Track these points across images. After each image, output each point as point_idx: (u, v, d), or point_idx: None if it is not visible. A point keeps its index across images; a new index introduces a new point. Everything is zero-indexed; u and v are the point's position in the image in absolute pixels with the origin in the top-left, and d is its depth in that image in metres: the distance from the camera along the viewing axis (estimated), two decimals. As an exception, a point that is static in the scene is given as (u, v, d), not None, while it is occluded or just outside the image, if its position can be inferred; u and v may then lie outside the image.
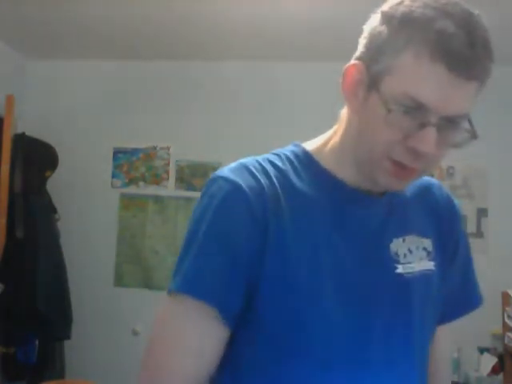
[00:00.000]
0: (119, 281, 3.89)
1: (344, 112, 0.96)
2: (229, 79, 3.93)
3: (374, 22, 0.87)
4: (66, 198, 3.83)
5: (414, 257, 0.97)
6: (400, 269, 0.94)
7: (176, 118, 3.94)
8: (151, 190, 3.94)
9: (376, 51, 0.84)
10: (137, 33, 3.51)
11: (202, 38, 3.54)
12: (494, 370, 3.30)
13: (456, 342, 3.47)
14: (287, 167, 0.95)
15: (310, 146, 1.01)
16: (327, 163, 0.96)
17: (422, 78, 0.79)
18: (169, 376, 0.87)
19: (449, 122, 0.82)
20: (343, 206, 0.93)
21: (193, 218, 0.93)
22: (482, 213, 3.67)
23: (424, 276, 0.97)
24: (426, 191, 1.05)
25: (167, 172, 3.94)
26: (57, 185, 3.72)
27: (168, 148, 3.94)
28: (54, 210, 3.64)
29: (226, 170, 0.93)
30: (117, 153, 3.99)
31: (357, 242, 0.93)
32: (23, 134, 3.57)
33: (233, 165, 0.95)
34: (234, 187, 0.89)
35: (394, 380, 0.93)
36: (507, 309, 3.17)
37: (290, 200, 0.91)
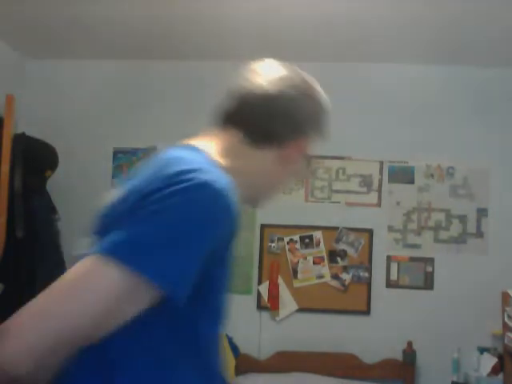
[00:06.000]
0: (119, 281, 3.88)
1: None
2: (229, 79, 3.92)
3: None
4: (66, 198, 3.83)
5: None
6: None
7: (176, 118, 3.94)
8: (151, 190, 3.93)
9: None
10: (137, 33, 3.51)
11: (203, 38, 3.54)
12: (494, 370, 3.30)
13: (456, 342, 3.47)
14: None
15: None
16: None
17: None
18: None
19: None
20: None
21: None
22: (481, 213, 3.67)
23: None
24: None
25: (167, 172, 3.93)
26: (57, 185, 3.72)
27: (168, 148, 3.94)
28: (54, 210, 3.63)
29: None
30: (117, 153, 3.98)
31: None
32: (23, 133, 3.56)
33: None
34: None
35: None
36: (507, 309, 3.17)
37: None
